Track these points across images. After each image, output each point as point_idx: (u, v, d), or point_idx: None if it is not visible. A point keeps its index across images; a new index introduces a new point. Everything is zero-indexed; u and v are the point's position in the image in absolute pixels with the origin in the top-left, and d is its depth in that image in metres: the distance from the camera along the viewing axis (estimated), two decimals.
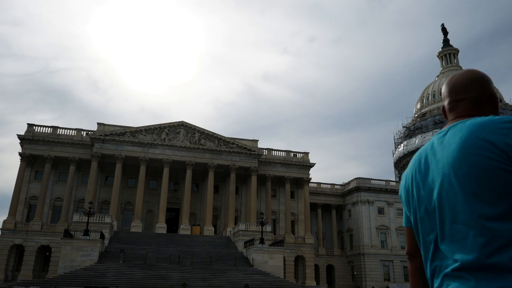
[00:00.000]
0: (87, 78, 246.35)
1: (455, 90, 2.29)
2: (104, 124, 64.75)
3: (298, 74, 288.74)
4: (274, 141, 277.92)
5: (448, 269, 1.91)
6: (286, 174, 72.45)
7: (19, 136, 62.34)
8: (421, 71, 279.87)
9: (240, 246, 56.88)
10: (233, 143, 68.10)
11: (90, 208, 47.13)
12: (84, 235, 45.71)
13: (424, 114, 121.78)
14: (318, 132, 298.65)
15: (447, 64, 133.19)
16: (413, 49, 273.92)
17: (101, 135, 62.35)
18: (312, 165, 74.04)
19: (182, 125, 67.04)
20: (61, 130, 64.64)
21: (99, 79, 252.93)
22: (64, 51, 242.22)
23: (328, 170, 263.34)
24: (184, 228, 61.93)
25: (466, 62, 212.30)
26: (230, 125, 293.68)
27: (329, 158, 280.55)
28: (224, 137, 68.05)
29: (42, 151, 62.42)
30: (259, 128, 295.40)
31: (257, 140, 70.55)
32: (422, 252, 2.13)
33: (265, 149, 73.01)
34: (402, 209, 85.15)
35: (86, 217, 47.28)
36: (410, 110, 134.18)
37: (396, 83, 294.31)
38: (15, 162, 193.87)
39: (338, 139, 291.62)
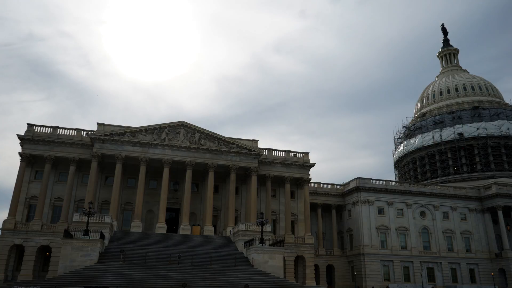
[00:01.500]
0: (75, 50, 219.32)
1: None
2: (104, 124, 64.75)
3: (314, 43, 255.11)
4: (280, 125, 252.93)
5: None
6: (286, 174, 72.46)
7: (19, 136, 62.33)
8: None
9: (240, 246, 56.89)
10: (233, 143, 68.12)
11: (90, 208, 47.10)
12: (84, 235, 45.68)
13: (424, 114, 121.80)
14: (328, 114, 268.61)
15: (447, 64, 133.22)
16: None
17: (101, 135, 62.37)
18: (312, 165, 74.02)
19: (182, 125, 67.08)
20: (61, 130, 64.64)
21: (89, 50, 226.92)
22: (47, 11, 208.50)
23: (338, 161, 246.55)
24: (184, 228, 61.94)
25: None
26: (232, 106, 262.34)
27: (339, 146, 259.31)
28: (224, 137, 68.09)
29: (42, 151, 62.41)
30: (265, 109, 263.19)
31: (257, 140, 70.60)
32: None
33: (265, 149, 73.02)
34: (402, 209, 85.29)
35: (86, 217, 47.24)
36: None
37: (420, 53, 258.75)
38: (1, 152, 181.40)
39: (349, 122, 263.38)
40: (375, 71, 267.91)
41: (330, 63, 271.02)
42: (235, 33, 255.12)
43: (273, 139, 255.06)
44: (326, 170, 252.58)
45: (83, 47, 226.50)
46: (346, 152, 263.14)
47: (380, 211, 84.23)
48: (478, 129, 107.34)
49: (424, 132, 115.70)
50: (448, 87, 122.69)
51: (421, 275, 79.93)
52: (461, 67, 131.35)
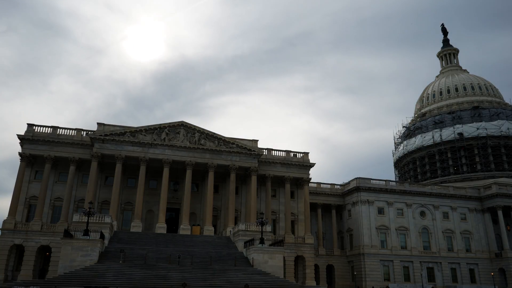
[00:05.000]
0: None
1: None
2: (104, 124, 64.78)
3: None
4: (298, 73, 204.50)
5: None
6: (286, 174, 72.44)
7: (19, 136, 62.32)
8: None
9: (240, 246, 56.89)
10: (233, 143, 68.12)
11: (90, 208, 47.11)
12: (84, 235, 45.68)
13: (424, 114, 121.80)
14: (363, 51, 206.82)
15: (447, 64, 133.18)
16: None
17: (101, 135, 62.37)
18: (312, 165, 73.99)
19: (182, 125, 67.09)
20: (61, 130, 64.70)
21: None
22: None
23: (366, 131, 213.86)
24: (184, 228, 61.94)
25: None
26: (237, 38, 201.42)
27: (368, 110, 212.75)
28: (224, 137, 68.09)
29: (42, 151, 62.41)
30: (280, 45, 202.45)
31: (257, 140, 70.61)
32: None
33: (265, 149, 73.01)
34: (402, 209, 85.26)
35: (86, 217, 47.25)
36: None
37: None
38: None
39: (385, 65, 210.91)
40: None
41: None
42: None
43: (289, 98, 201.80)
44: (355, 141, 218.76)
45: None
46: (377, 119, 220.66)
47: (380, 211, 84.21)
48: (478, 129, 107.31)
49: (424, 132, 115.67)
50: (448, 87, 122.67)
51: (421, 275, 79.92)
52: (461, 67, 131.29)
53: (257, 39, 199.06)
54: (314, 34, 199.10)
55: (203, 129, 67.47)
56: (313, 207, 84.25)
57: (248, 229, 57.75)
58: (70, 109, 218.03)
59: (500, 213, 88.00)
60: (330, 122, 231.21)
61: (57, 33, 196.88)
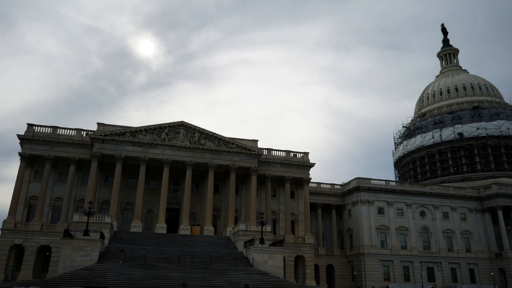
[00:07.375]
0: None
1: None
2: (104, 124, 64.78)
3: None
4: (319, 16, 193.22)
5: None
6: (286, 174, 72.45)
7: (19, 136, 62.32)
8: None
9: (240, 246, 56.90)
10: (233, 143, 68.13)
11: (90, 208, 47.10)
12: (84, 235, 45.67)
13: (424, 114, 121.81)
14: None
15: (447, 64, 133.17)
16: None
17: (101, 135, 62.37)
18: (312, 165, 74.00)
19: (182, 125, 67.09)
20: (61, 130, 64.71)
21: None
22: None
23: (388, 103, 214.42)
24: (184, 228, 61.95)
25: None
26: None
27: (404, 73, 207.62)
28: (224, 137, 68.10)
29: (42, 151, 62.41)
30: None
31: (257, 140, 70.62)
32: None
33: (265, 149, 73.03)
34: (402, 209, 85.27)
35: (86, 217, 47.22)
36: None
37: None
38: None
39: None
40: None
41: None
42: None
43: (306, 56, 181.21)
44: (377, 117, 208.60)
45: None
46: (408, 85, 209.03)
47: (380, 211, 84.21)
48: (478, 129, 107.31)
49: (424, 132, 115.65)
50: (448, 87, 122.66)
51: (421, 275, 79.91)
52: (461, 67, 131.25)
53: None
54: None
55: (203, 129, 67.49)
56: (313, 207, 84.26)
57: (248, 229, 57.76)
58: (39, 74, 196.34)
59: (500, 213, 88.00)
60: (351, 92, 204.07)
61: None
